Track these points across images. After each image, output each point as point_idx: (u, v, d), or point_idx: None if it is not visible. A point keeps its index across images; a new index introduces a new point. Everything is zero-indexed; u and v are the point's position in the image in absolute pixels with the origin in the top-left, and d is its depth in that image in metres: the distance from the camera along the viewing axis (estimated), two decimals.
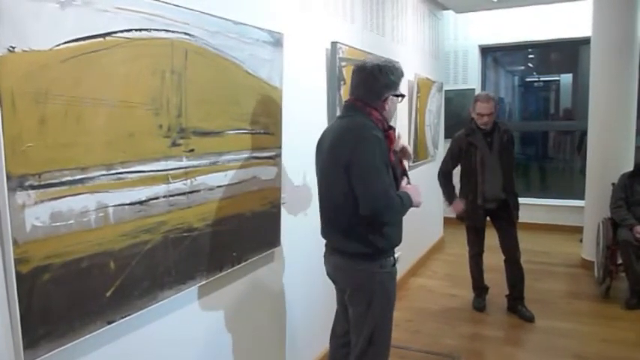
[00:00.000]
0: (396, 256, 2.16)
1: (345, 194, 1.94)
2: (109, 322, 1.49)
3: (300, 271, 2.68)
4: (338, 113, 2.90)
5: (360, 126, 1.96)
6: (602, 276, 4.11)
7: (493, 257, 3.99)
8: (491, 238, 3.88)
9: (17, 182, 1.20)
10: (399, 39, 4.18)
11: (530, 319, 3.66)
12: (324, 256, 2.20)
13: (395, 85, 2.05)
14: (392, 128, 2.07)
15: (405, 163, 2.37)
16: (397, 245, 2.12)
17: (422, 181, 4.89)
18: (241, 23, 1.98)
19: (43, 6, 1.23)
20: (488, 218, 3.76)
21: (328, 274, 2.21)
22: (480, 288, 3.97)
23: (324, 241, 2.19)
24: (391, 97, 2.05)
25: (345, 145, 1.95)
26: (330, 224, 2.10)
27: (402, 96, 2.12)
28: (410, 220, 3.24)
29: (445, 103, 5.88)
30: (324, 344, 2.38)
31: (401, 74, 2.07)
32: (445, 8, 5.62)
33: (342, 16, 3.11)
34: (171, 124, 1.66)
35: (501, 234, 3.74)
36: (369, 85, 2.01)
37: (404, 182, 2.10)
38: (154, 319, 1.73)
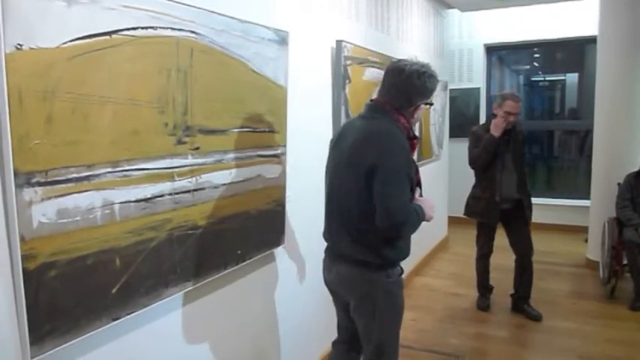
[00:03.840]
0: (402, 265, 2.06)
1: (360, 198, 1.84)
2: (115, 319, 1.49)
3: (303, 269, 2.69)
4: (343, 112, 2.90)
5: (391, 132, 1.86)
6: (608, 276, 4.09)
7: (497, 257, 3.98)
8: (497, 238, 3.87)
9: (24, 179, 1.21)
10: (404, 37, 4.17)
11: (537, 318, 3.65)
12: (324, 262, 2.09)
13: (430, 93, 1.95)
14: (416, 137, 1.97)
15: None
16: (406, 258, 2.02)
17: (426, 180, 4.89)
18: (247, 22, 1.99)
19: (50, 4, 1.23)
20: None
21: (328, 283, 2.09)
22: (484, 287, 3.96)
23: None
24: (422, 105, 1.95)
25: (371, 148, 1.83)
26: (338, 227, 1.97)
27: (432, 104, 2.04)
28: None
29: (450, 102, 5.86)
30: (328, 342, 2.38)
31: (436, 81, 1.97)
32: (450, 7, 5.61)
33: (347, 15, 3.11)
34: (176, 122, 1.67)
35: (514, 234, 3.70)
36: (404, 90, 1.89)
37: (417, 194, 1.98)
38: (159, 316, 1.74)
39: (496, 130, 3.45)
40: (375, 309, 1.94)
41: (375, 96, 2.03)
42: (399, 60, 1.98)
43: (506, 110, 3.45)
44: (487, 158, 3.53)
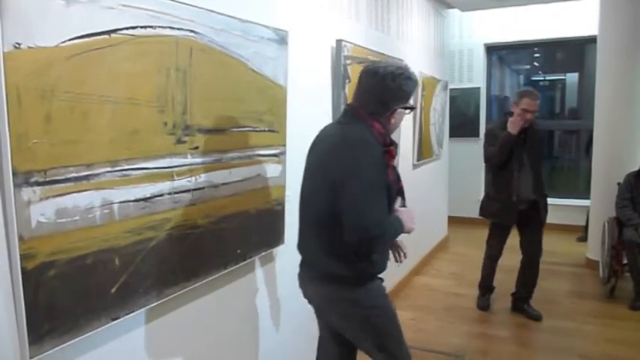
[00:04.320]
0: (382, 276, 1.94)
1: (332, 209, 1.71)
2: (114, 319, 1.49)
3: None
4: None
5: (363, 139, 1.72)
6: (607, 276, 4.09)
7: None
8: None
9: (23, 178, 1.20)
10: (404, 37, 4.17)
11: (537, 318, 3.65)
12: (299, 276, 1.97)
13: (407, 96, 1.82)
14: (393, 144, 1.82)
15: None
16: (383, 272, 1.90)
17: (426, 179, 4.89)
18: (246, 21, 1.98)
19: (49, 3, 1.23)
20: None
21: (307, 297, 1.98)
22: (486, 287, 3.94)
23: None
24: (399, 109, 1.82)
25: (340, 157, 1.72)
26: (311, 239, 1.87)
27: (412, 108, 1.90)
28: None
29: (450, 102, 5.86)
30: None
31: (415, 84, 1.83)
32: (450, 6, 5.61)
33: (347, 14, 3.10)
34: (176, 122, 1.66)
35: (526, 235, 3.64)
36: (378, 94, 1.77)
37: (397, 203, 1.85)
38: (159, 316, 1.73)
39: (513, 127, 3.35)
40: (364, 328, 1.85)
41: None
42: (374, 62, 1.88)
43: (523, 108, 3.35)
44: (503, 156, 3.43)
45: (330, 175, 1.72)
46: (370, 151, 1.71)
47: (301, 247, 1.95)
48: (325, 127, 1.99)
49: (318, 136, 1.95)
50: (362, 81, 1.84)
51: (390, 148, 1.79)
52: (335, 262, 1.78)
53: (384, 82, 1.75)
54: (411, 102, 1.86)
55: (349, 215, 1.65)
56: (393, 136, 1.90)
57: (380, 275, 1.91)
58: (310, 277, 1.91)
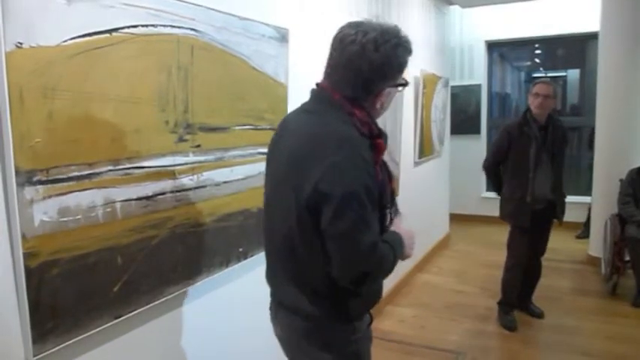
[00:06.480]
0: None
1: (304, 233, 1.29)
2: (117, 317, 1.50)
3: None
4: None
5: (342, 136, 1.26)
6: (609, 273, 4.09)
7: (493, 254, 3.95)
8: (492, 234, 3.84)
9: (25, 177, 1.21)
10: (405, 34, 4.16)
11: (539, 316, 3.65)
12: (270, 309, 1.52)
13: (398, 72, 1.33)
14: (382, 135, 1.35)
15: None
16: (377, 303, 1.48)
17: (427, 177, 4.89)
18: (247, 19, 1.98)
19: (50, 2, 1.23)
20: None
21: (277, 336, 1.53)
22: (511, 304, 3.61)
23: None
24: (388, 88, 1.35)
25: (313, 164, 1.24)
26: (278, 270, 1.43)
27: (405, 85, 1.39)
28: (415, 217, 3.20)
29: (451, 99, 5.85)
30: None
31: (409, 52, 1.33)
32: (451, 3, 5.60)
33: (347, 12, 3.10)
34: (177, 120, 1.67)
35: (535, 234, 3.46)
36: (356, 70, 1.27)
37: (399, 219, 1.46)
38: (161, 314, 1.74)
39: None
40: None
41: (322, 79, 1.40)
42: (351, 24, 1.31)
43: (535, 92, 3.25)
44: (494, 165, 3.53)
45: (301, 189, 1.26)
46: (354, 151, 1.25)
47: (269, 278, 1.51)
48: (287, 119, 1.49)
49: (280, 131, 1.47)
50: (334, 52, 1.32)
51: (378, 142, 1.33)
52: (312, 300, 1.36)
53: (364, 53, 1.25)
54: (403, 77, 1.38)
55: (333, 247, 1.25)
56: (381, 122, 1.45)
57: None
58: (278, 313, 1.47)
